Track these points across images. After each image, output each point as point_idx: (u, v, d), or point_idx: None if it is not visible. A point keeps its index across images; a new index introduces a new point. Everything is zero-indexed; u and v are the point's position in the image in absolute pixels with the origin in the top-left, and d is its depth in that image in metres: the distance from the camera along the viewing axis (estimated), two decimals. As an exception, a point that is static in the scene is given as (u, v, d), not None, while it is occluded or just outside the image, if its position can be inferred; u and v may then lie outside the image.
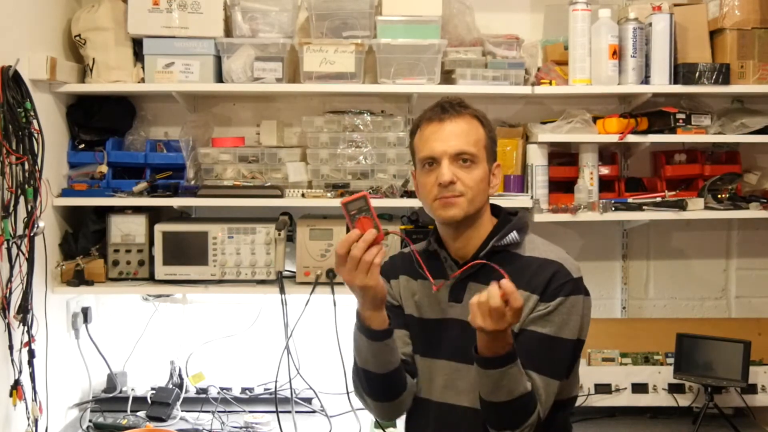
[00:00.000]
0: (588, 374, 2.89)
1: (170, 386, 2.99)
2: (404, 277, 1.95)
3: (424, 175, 1.82)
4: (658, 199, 2.89)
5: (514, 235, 1.84)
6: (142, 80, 2.86)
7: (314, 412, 2.95)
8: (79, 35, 2.86)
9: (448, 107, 1.82)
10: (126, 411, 2.91)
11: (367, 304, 1.75)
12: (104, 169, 2.88)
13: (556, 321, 1.76)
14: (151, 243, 2.86)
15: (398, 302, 1.95)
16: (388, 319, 1.78)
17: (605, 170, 2.99)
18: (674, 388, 2.91)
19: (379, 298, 1.73)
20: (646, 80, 2.85)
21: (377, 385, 1.83)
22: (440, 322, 1.86)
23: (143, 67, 2.85)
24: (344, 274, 1.70)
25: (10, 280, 2.41)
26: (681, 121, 2.84)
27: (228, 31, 2.86)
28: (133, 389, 2.99)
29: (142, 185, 2.84)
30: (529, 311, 1.76)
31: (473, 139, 1.80)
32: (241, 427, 2.81)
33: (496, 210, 1.92)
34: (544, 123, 2.96)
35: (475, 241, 1.85)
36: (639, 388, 2.91)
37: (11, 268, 2.42)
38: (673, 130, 2.84)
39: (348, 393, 2.78)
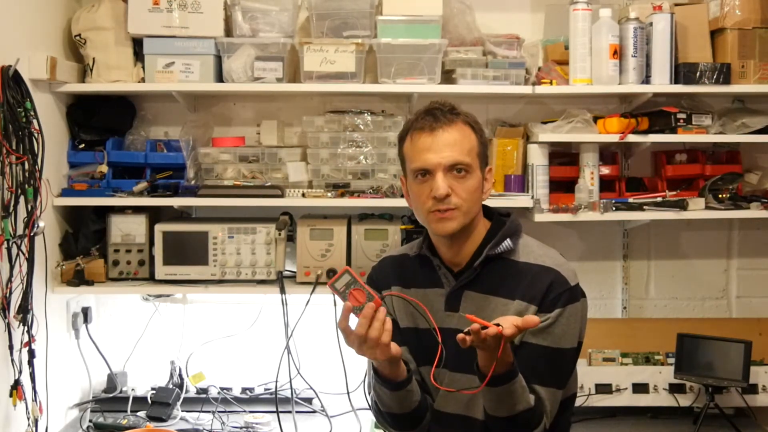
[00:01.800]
0: (589, 374, 2.89)
1: (170, 386, 2.99)
2: (397, 288, 1.92)
3: (417, 186, 1.79)
4: (659, 199, 2.89)
5: (507, 243, 1.81)
6: (143, 80, 2.85)
7: (315, 412, 2.95)
8: (79, 35, 2.85)
9: (440, 115, 1.78)
10: (126, 411, 2.91)
11: (384, 367, 1.74)
12: (104, 168, 2.87)
13: (556, 332, 1.75)
14: (152, 243, 2.85)
15: (392, 315, 1.92)
16: (405, 367, 1.77)
17: (606, 170, 2.99)
18: (675, 388, 2.91)
19: (394, 360, 1.72)
20: (646, 80, 2.85)
21: (403, 420, 1.83)
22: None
23: (143, 67, 2.85)
24: (355, 350, 1.68)
25: (10, 280, 2.41)
26: (682, 120, 2.83)
27: (228, 31, 2.86)
28: (133, 389, 2.99)
29: (143, 185, 2.84)
30: None
31: (467, 148, 1.77)
32: (241, 427, 2.81)
33: (488, 211, 1.89)
34: (544, 123, 2.95)
35: (469, 247, 1.83)
36: (640, 388, 2.91)
37: (11, 268, 2.42)
38: (673, 130, 2.84)
39: (348, 393, 2.78)
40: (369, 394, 1.93)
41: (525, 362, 1.72)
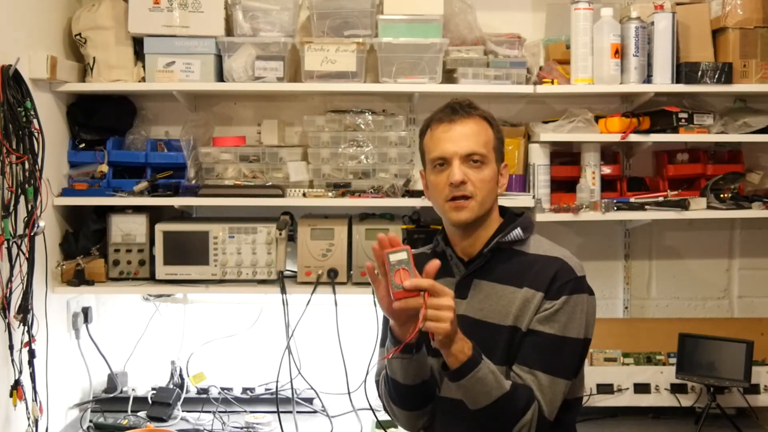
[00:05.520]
0: (590, 374, 2.88)
1: (171, 386, 2.98)
2: None
3: (435, 175, 1.85)
4: (661, 199, 2.89)
5: (518, 232, 1.85)
6: (143, 79, 2.85)
7: (315, 412, 2.95)
8: (79, 34, 2.85)
9: (459, 108, 1.85)
10: (126, 411, 2.91)
11: (400, 326, 1.74)
12: (105, 168, 2.87)
13: (561, 320, 1.77)
14: (152, 243, 2.85)
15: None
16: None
17: (607, 170, 2.98)
18: (677, 389, 2.90)
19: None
20: (648, 79, 2.84)
21: (403, 394, 1.84)
22: None
23: (144, 66, 2.85)
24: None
25: (10, 280, 2.40)
26: (683, 120, 2.83)
27: (229, 30, 2.85)
28: (133, 389, 2.99)
29: (143, 185, 2.84)
30: (535, 309, 1.77)
31: (483, 140, 1.83)
32: (242, 428, 2.81)
33: (502, 211, 1.94)
34: (546, 122, 2.95)
35: (482, 239, 1.87)
36: (641, 388, 2.90)
37: (11, 267, 2.41)
38: (675, 130, 2.84)
39: (349, 393, 2.78)
40: (377, 377, 1.95)
41: (530, 348, 1.76)
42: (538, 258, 1.83)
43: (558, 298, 1.77)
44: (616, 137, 2.84)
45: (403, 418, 1.91)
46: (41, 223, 2.51)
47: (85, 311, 2.98)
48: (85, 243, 2.87)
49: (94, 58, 2.84)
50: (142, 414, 2.89)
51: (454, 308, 1.63)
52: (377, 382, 1.97)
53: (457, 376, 1.68)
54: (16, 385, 2.43)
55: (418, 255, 1.97)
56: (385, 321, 1.94)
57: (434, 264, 1.68)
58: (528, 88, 2.86)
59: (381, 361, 1.94)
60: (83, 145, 2.90)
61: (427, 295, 1.62)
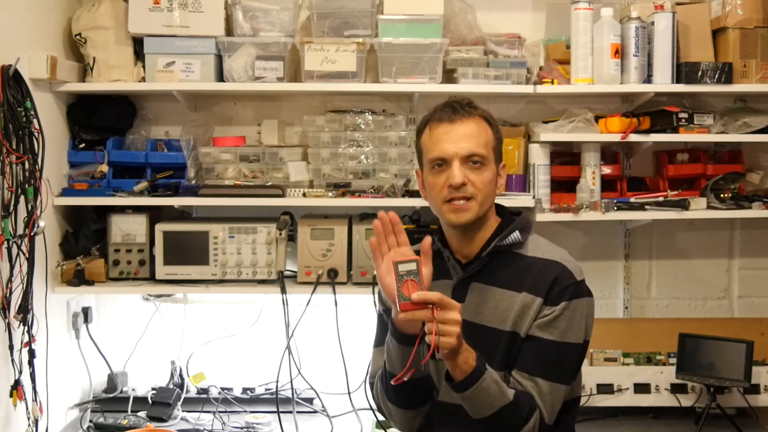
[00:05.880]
0: (590, 374, 2.89)
1: (171, 386, 2.98)
2: None
3: (433, 176, 1.82)
4: (661, 199, 2.88)
5: (516, 235, 1.83)
6: (143, 79, 2.85)
7: (315, 412, 2.95)
8: (79, 34, 2.85)
9: (459, 108, 1.82)
10: (126, 411, 2.91)
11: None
12: (105, 168, 2.87)
13: (561, 326, 1.76)
14: (152, 243, 2.85)
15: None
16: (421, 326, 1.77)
17: (607, 170, 2.98)
18: (677, 389, 2.90)
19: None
20: (648, 79, 2.84)
21: (402, 391, 1.81)
22: None
23: (144, 66, 2.85)
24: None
25: (10, 280, 2.40)
26: (683, 120, 2.83)
27: (229, 30, 2.85)
28: (133, 389, 2.99)
29: (143, 185, 2.84)
30: (534, 315, 1.76)
31: (483, 141, 1.81)
32: (242, 428, 2.81)
33: (499, 210, 1.92)
34: (546, 122, 2.95)
35: (480, 240, 1.85)
36: (641, 388, 2.90)
37: (11, 267, 2.41)
38: (675, 130, 2.84)
39: (349, 393, 2.78)
40: (375, 381, 1.94)
41: (530, 355, 1.74)
42: (536, 261, 1.81)
43: (558, 303, 1.76)
44: (616, 137, 2.84)
45: (398, 416, 1.89)
46: (41, 223, 2.51)
47: (85, 311, 2.98)
48: (85, 243, 2.87)
49: (94, 58, 2.84)
50: (142, 414, 2.89)
51: (461, 322, 1.61)
52: (372, 384, 1.95)
53: (461, 387, 1.67)
54: (16, 385, 2.43)
55: (415, 251, 1.97)
56: (379, 322, 1.93)
57: (426, 241, 1.69)
58: (528, 88, 2.86)
59: (375, 362, 1.93)
60: (83, 145, 2.90)
61: (435, 309, 1.59)
